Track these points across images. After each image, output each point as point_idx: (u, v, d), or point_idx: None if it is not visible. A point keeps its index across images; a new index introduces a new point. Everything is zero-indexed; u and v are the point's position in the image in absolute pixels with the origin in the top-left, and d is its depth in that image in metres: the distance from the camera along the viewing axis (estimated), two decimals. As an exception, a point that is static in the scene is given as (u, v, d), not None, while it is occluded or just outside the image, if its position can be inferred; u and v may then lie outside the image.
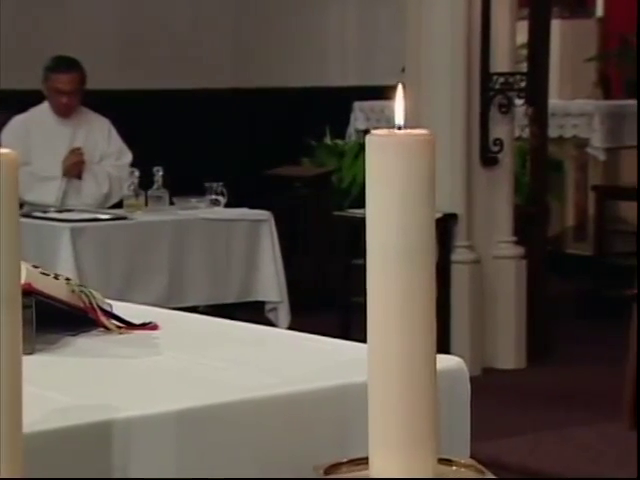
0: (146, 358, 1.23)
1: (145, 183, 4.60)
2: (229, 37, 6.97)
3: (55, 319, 1.28)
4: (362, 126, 6.71)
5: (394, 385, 0.86)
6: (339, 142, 6.62)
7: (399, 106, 0.87)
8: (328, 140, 6.68)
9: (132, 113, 6.22)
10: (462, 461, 0.91)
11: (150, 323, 1.34)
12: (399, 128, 0.87)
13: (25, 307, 0.96)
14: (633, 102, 5.80)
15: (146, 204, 4.54)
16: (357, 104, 6.77)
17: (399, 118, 0.87)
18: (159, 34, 6.72)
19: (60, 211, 4.53)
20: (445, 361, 1.14)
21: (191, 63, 6.81)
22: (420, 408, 0.86)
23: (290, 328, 4.10)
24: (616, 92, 6.62)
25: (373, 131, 0.88)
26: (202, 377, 1.15)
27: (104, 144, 4.91)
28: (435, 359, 0.88)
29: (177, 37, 6.79)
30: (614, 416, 3.44)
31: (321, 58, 7.23)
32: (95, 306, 1.30)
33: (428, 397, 0.86)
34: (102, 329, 1.31)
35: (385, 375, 0.86)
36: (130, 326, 1.33)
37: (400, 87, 0.87)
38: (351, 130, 6.80)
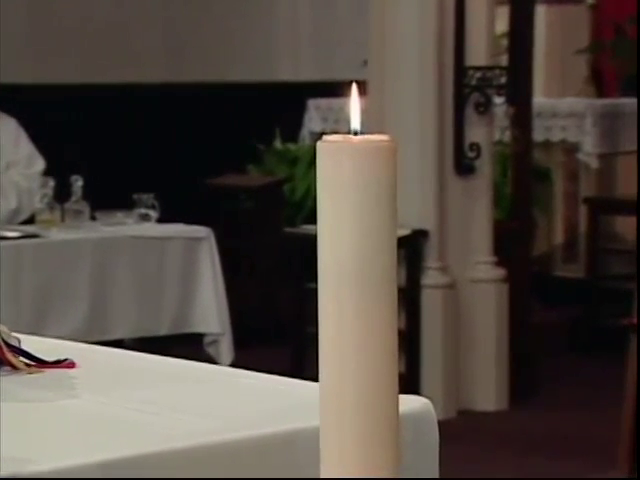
0: (61, 402, 1.23)
1: (61, 195, 4.58)
2: (160, 21, 6.97)
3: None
4: (318, 128, 6.74)
5: (350, 431, 0.88)
6: (291, 146, 6.65)
7: (355, 107, 0.88)
8: (278, 144, 6.71)
9: (46, 112, 6.19)
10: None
11: (66, 360, 1.34)
12: (355, 133, 0.89)
13: None
14: (631, 100, 5.89)
15: (62, 219, 4.51)
16: (312, 102, 6.81)
17: (355, 121, 0.88)
18: (78, 18, 6.71)
19: (-40, 228, 4.49)
20: (409, 402, 1.16)
21: (115, 52, 6.80)
22: (380, 457, 0.87)
23: (233, 365, 4.11)
24: (611, 89, 6.72)
25: (325, 137, 0.89)
26: (127, 423, 1.15)
27: (11, 149, 4.88)
28: (397, 400, 0.90)
29: (99, 21, 6.78)
30: (608, 465, 3.48)
31: (270, 48, 7.26)
32: (0, 341, 1.30)
33: (389, 444, 0.88)
34: (8, 368, 1.31)
35: (339, 419, 0.87)
36: (42, 364, 1.33)
37: (354, 86, 0.89)
38: (305, 132, 6.83)
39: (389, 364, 0.89)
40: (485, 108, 4.70)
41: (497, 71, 4.75)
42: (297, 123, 6.78)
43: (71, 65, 6.65)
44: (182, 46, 7.01)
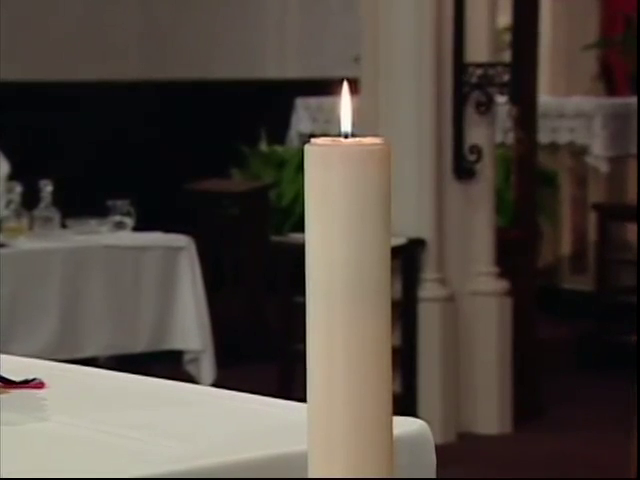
0: (28, 425, 1.23)
1: (29, 201, 4.57)
2: (137, 14, 6.98)
3: None
4: (307, 129, 6.76)
5: (340, 456, 0.88)
6: (278, 149, 6.66)
7: (345, 108, 0.89)
8: (264, 146, 6.72)
9: (12, 111, 6.18)
10: None
11: (34, 380, 1.34)
12: (346, 135, 0.89)
13: None
14: (641, 100, 5.90)
15: (30, 227, 4.51)
16: (300, 101, 6.82)
17: (345, 123, 0.89)
18: (49, 12, 6.71)
19: None
20: (405, 425, 1.16)
21: (89, 48, 6.80)
22: (373, 484, 0.88)
23: (215, 384, 4.11)
24: (621, 87, 6.74)
25: (313, 139, 0.89)
26: (100, 447, 1.16)
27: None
28: (392, 423, 0.90)
29: (71, 15, 6.78)
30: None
31: (255, 43, 7.27)
32: (-36, 359, 1.30)
33: (383, 470, 0.88)
34: (-27, 388, 1.31)
35: (329, 443, 0.88)
36: (8, 384, 1.33)
37: (345, 84, 0.89)
38: (293, 134, 6.85)
39: (383, 384, 0.89)
40: (486, 108, 4.71)
41: (499, 68, 4.76)
42: (284, 124, 6.79)
43: (40, 62, 6.65)
44: (160, 41, 7.02)
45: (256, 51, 7.27)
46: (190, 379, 4.34)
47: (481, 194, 4.74)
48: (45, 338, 4.33)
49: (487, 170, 4.74)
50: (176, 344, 4.56)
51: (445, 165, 4.68)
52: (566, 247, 6.52)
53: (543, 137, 5.88)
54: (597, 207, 6.07)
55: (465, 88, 4.69)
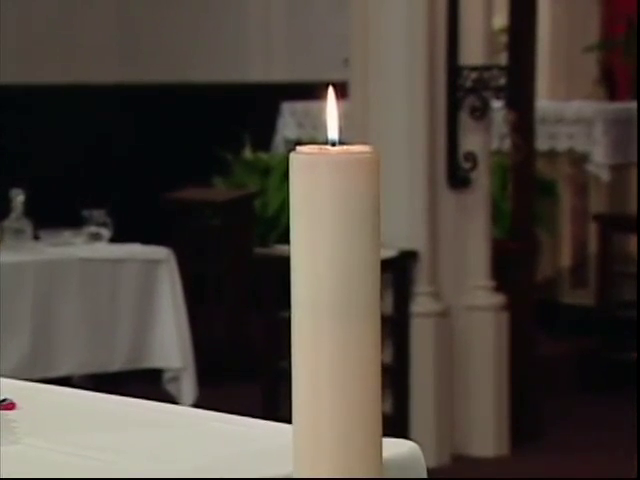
0: (-1, 447, 1.23)
1: None
2: (113, 15, 6.99)
3: None
4: (293, 135, 6.77)
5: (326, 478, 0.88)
6: (263, 156, 6.67)
7: (331, 114, 0.89)
8: (248, 153, 6.73)
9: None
10: None
11: (5, 400, 1.34)
12: (333, 143, 0.89)
13: None
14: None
15: (1, 239, 4.50)
16: (286, 106, 6.84)
17: (332, 130, 0.89)
18: (20, 11, 6.71)
19: None
20: (395, 447, 1.16)
21: (62, 49, 6.80)
22: (361, 509, 0.88)
23: (196, 404, 4.10)
24: (623, 92, 6.77)
25: (299, 148, 0.90)
26: (74, 472, 1.15)
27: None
28: (381, 445, 0.90)
29: (44, 15, 6.78)
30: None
31: (239, 45, 7.28)
32: None
33: (372, 495, 0.88)
34: (-60, 409, 1.31)
35: (315, 467, 0.88)
36: (-22, 404, 1.33)
37: (331, 89, 0.90)
38: (278, 140, 6.86)
39: (372, 404, 0.89)
40: (482, 113, 4.73)
41: (495, 71, 4.78)
42: (270, 129, 6.80)
43: (11, 64, 6.65)
44: (139, 43, 7.02)
45: (240, 53, 7.28)
46: (170, 399, 4.33)
47: (476, 204, 4.75)
48: (16, 356, 4.32)
49: (482, 178, 4.76)
50: (155, 362, 4.55)
51: (438, 173, 4.69)
52: (566, 260, 6.53)
53: (541, 144, 5.90)
54: (598, 218, 6.09)
55: (459, 92, 4.70)
